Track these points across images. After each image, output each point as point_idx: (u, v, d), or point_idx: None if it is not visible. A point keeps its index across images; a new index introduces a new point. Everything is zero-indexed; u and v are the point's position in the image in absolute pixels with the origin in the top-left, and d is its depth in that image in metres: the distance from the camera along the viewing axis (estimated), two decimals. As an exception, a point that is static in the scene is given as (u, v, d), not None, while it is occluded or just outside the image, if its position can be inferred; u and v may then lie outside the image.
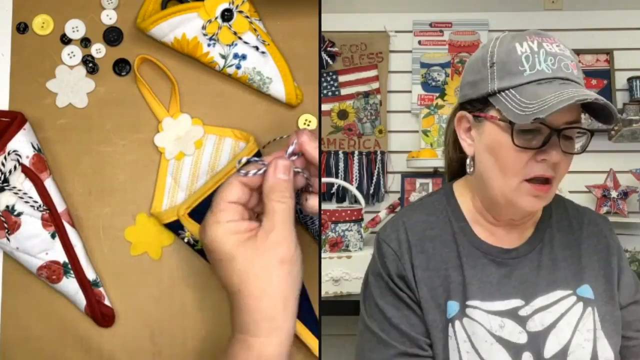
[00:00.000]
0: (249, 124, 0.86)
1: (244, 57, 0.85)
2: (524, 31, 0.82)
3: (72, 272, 0.82)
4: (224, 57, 0.84)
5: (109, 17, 0.88)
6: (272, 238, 0.68)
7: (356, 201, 1.76)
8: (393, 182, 1.94)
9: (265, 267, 0.67)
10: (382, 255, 0.86)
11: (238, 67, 0.85)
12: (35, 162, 0.81)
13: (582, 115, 0.81)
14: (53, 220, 0.81)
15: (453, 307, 0.83)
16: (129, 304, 0.85)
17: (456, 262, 0.84)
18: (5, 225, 0.79)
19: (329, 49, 1.91)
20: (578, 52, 1.79)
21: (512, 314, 0.82)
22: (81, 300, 0.83)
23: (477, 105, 0.83)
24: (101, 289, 0.84)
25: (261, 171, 0.71)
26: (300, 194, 0.75)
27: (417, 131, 1.92)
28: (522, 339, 0.81)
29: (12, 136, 0.81)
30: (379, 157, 1.93)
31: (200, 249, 0.83)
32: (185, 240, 0.83)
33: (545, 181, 0.79)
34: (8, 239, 0.80)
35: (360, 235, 1.57)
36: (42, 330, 0.84)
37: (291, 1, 0.88)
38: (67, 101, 0.86)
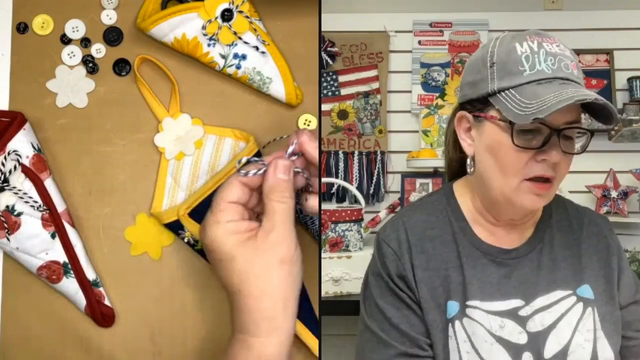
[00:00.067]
0: (249, 124, 0.86)
1: (244, 57, 0.85)
2: (524, 31, 0.82)
3: (72, 272, 0.82)
4: (224, 57, 0.84)
5: (109, 17, 0.88)
6: (272, 238, 0.68)
7: (356, 201, 1.76)
8: (393, 182, 1.94)
9: (265, 267, 0.67)
10: (382, 255, 0.86)
11: (238, 67, 0.85)
12: (35, 162, 0.81)
13: (582, 115, 0.81)
14: (53, 220, 0.81)
15: (453, 307, 0.83)
16: (129, 304, 0.85)
17: (456, 262, 0.84)
18: (5, 225, 0.79)
19: (329, 49, 1.91)
20: (578, 52, 1.79)
21: (512, 314, 0.82)
22: (81, 300, 0.83)
23: (477, 105, 0.83)
24: (101, 289, 0.84)
25: (261, 171, 0.71)
26: (300, 194, 0.75)
27: (417, 131, 1.92)
28: (522, 339, 0.81)
29: (12, 136, 0.81)
30: (379, 157, 1.93)
31: (200, 249, 0.83)
32: (185, 240, 0.83)
33: (546, 180, 0.79)
34: (8, 239, 0.80)
35: (360, 235, 1.57)
36: (42, 330, 0.84)
37: (291, 1, 0.88)
38: (67, 101, 0.86)
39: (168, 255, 0.85)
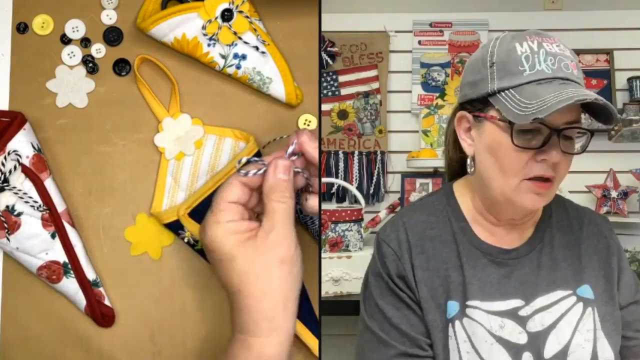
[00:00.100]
0: (249, 124, 0.86)
1: (244, 57, 0.85)
2: (524, 31, 0.82)
3: (72, 272, 0.82)
4: (224, 57, 0.84)
5: (109, 17, 0.88)
6: (272, 238, 0.68)
7: (356, 201, 1.76)
8: (393, 182, 1.94)
9: (265, 267, 0.67)
10: (382, 255, 0.86)
11: (238, 67, 0.85)
12: (35, 162, 0.81)
13: (582, 115, 0.81)
14: (53, 220, 0.81)
15: (453, 307, 0.83)
16: (129, 304, 0.85)
17: (456, 262, 0.84)
18: (5, 225, 0.79)
19: (329, 49, 1.91)
20: (578, 52, 1.79)
21: (512, 314, 0.82)
22: (81, 300, 0.83)
23: (477, 105, 0.83)
24: (101, 289, 0.84)
25: (261, 171, 0.71)
26: (300, 194, 0.75)
27: (417, 131, 1.92)
28: (522, 339, 0.81)
29: (12, 136, 0.81)
30: (379, 157, 1.93)
31: (200, 249, 0.83)
32: (185, 240, 0.83)
33: (546, 180, 0.79)
34: (8, 239, 0.80)
35: (360, 235, 1.57)
36: (42, 330, 0.84)
37: (291, 1, 0.88)
38: (67, 101, 0.86)
39: (168, 255, 0.85)
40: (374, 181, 1.92)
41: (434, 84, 1.95)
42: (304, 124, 0.87)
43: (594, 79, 1.91)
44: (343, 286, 1.50)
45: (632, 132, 1.77)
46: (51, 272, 0.82)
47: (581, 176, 1.80)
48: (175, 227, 0.83)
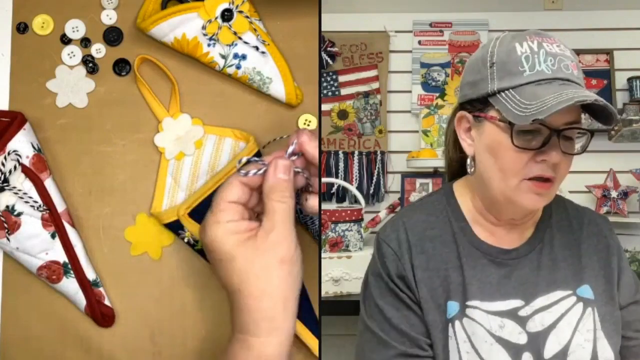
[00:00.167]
0: (249, 124, 0.86)
1: (244, 57, 0.85)
2: (524, 31, 0.81)
3: (72, 272, 0.82)
4: (224, 57, 0.84)
5: (109, 17, 0.88)
6: (272, 238, 0.68)
7: (356, 201, 1.76)
8: (393, 182, 1.94)
9: (265, 267, 0.67)
10: (382, 256, 0.86)
11: (238, 67, 0.85)
12: (35, 162, 0.81)
13: (582, 116, 0.81)
14: (53, 220, 0.81)
15: (453, 307, 0.83)
16: (129, 304, 0.85)
17: (456, 262, 0.84)
18: (5, 225, 0.79)
19: (329, 49, 1.91)
20: (578, 52, 1.79)
21: (512, 314, 0.82)
22: (81, 300, 0.83)
23: (477, 106, 0.83)
24: (101, 289, 0.84)
25: (261, 171, 0.71)
26: (300, 194, 0.75)
27: (417, 131, 1.92)
28: (522, 339, 0.81)
29: (12, 136, 0.81)
30: (379, 157, 1.93)
31: (200, 249, 0.83)
32: (185, 240, 0.83)
33: (546, 180, 0.79)
34: (8, 239, 0.80)
35: (360, 235, 1.57)
36: (42, 330, 0.84)
37: (291, 1, 0.88)
38: (67, 101, 0.86)
39: (168, 255, 0.85)
40: (374, 181, 1.92)
41: (434, 84, 1.95)
42: (304, 124, 0.87)
43: (594, 79, 1.91)
44: (343, 286, 1.50)
45: (632, 132, 1.77)
46: (51, 272, 0.82)
47: (581, 176, 1.80)
48: (175, 227, 0.83)
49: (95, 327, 0.84)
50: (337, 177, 1.91)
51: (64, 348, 0.84)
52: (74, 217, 0.84)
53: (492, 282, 0.84)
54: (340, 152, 1.93)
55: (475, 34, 1.95)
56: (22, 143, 0.81)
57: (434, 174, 1.89)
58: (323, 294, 1.35)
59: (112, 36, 0.87)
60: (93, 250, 0.85)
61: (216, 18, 0.83)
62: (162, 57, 0.86)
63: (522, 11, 1.92)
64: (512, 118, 0.76)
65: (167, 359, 0.84)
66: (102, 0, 0.87)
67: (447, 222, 0.87)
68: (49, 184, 0.82)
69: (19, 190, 0.79)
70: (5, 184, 0.79)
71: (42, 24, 0.87)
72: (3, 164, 0.79)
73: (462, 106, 0.86)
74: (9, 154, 0.79)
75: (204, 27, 0.83)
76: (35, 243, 0.81)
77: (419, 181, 1.91)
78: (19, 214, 0.80)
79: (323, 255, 1.48)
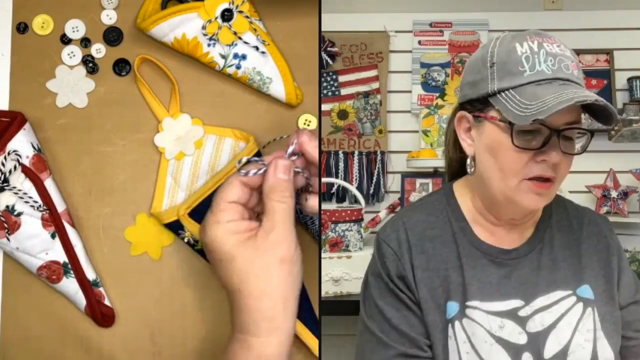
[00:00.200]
0: (249, 124, 0.86)
1: (244, 57, 0.85)
2: (524, 31, 0.81)
3: (72, 272, 0.82)
4: (224, 57, 0.84)
5: (109, 17, 0.88)
6: (272, 238, 0.68)
7: (356, 201, 1.76)
8: (393, 182, 1.94)
9: (265, 267, 0.67)
10: (382, 256, 0.86)
11: (238, 67, 0.85)
12: (35, 162, 0.81)
13: (582, 116, 0.81)
14: (53, 220, 0.81)
15: (453, 307, 0.83)
16: (129, 304, 0.85)
17: (456, 262, 0.84)
18: (5, 225, 0.79)
19: (329, 49, 1.91)
20: (578, 52, 1.78)
21: (511, 315, 0.82)
22: (81, 300, 0.83)
23: (477, 106, 0.83)
24: (101, 289, 0.84)
25: (261, 171, 0.71)
26: (300, 194, 0.75)
27: (417, 131, 1.92)
28: (522, 339, 0.81)
29: (12, 136, 0.81)
30: (379, 157, 1.93)
31: (200, 249, 0.83)
32: (185, 240, 0.83)
33: (546, 180, 0.79)
34: (8, 239, 0.80)
35: (360, 235, 1.57)
36: (42, 330, 0.84)
37: (291, 1, 0.88)
38: (67, 101, 0.86)
39: (168, 255, 0.85)
40: (374, 181, 1.92)
41: (434, 84, 1.95)
42: (304, 124, 0.87)
43: (594, 79, 1.91)
44: (343, 286, 1.50)
45: (632, 132, 1.77)
46: (51, 272, 0.82)
47: (581, 176, 1.80)
48: (175, 227, 0.83)
49: (95, 327, 0.84)
50: (337, 177, 1.91)
51: (64, 348, 0.84)
52: (74, 217, 0.84)
53: (492, 282, 0.84)
54: (340, 152, 1.93)
55: (475, 34, 1.95)
56: (22, 143, 0.81)
57: (434, 174, 1.89)
58: (323, 294, 1.35)
59: (112, 36, 0.87)
60: (93, 250, 0.85)
61: (216, 18, 0.83)
62: (162, 57, 0.86)
63: (522, 11, 1.92)
64: (512, 118, 0.76)
65: (167, 359, 0.84)
66: (102, 0, 0.87)
67: (447, 222, 0.87)
68: (49, 184, 0.82)
69: (19, 190, 0.79)
70: (5, 184, 0.79)
71: (42, 24, 0.87)
72: (3, 164, 0.79)
73: (462, 106, 0.86)
74: (9, 154, 0.79)
75: (204, 27, 0.83)
76: (35, 243, 0.81)
77: (419, 181, 1.91)
78: (19, 214, 0.80)
79: (323, 255, 1.48)
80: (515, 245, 0.86)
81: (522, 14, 1.92)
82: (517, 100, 0.77)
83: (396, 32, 1.96)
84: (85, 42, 0.87)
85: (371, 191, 1.91)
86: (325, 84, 1.94)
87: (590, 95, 0.74)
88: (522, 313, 0.83)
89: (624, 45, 1.91)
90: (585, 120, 0.81)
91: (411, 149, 1.89)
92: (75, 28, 0.87)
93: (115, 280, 0.85)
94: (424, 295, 0.83)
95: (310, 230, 0.84)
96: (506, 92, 0.78)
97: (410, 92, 1.96)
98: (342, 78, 1.95)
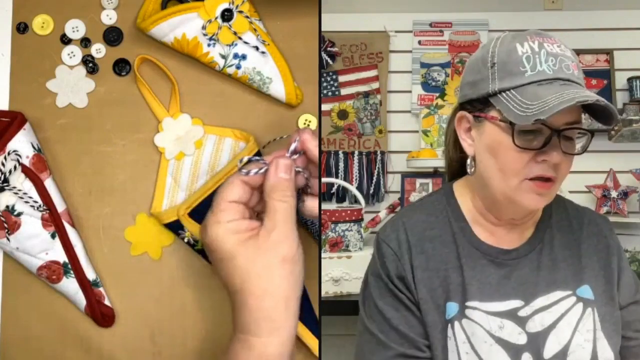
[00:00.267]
0: (249, 124, 0.86)
1: (244, 57, 0.85)
2: (524, 31, 0.81)
3: (72, 272, 0.82)
4: (224, 57, 0.84)
5: (109, 17, 0.87)
6: (273, 237, 0.68)
7: (356, 201, 1.76)
8: (393, 182, 1.94)
9: (266, 267, 0.67)
10: (381, 256, 0.86)
11: (238, 67, 0.85)
12: (35, 162, 0.81)
13: (582, 116, 0.81)
14: (53, 220, 0.81)
15: (452, 308, 0.83)
16: (129, 304, 0.85)
17: (456, 262, 0.84)
18: (5, 225, 0.79)
19: (329, 49, 1.91)
20: (578, 52, 1.78)
21: (511, 315, 0.82)
22: (81, 300, 0.83)
23: (477, 106, 0.83)
24: (101, 289, 0.84)
25: (262, 170, 0.71)
26: (299, 195, 0.75)
27: (417, 131, 1.92)
28: (522, 339, 0.81)
29: (12, 136, 0.81)
30: (379, 157, 1.93)
31: (200, 249, 0.83)
32: (185, 240, 0.83)
33: (547, 179, 0.79)
34: (8, 239, 0.80)
35: (360, 235, 1.57)
36: (42, 330, 0.84)
37: (291, 1, 0.88)
38: (67, 101, 0.86)
39: (168, 255, 0.85)
40: (374, 181, 1.92)
41: (434, 84, 1.95)
42: (304, 124, 0.87)
43: (594, 79, 1.91)
44: (343, 286, 1.50)
45: (632, 132, 1.77)
46: (51, 272, 0.82)
47: (581, 176, 1.80)
48: (175, 227, 0.83)
49: (95, 327, 0.84)
50: (337, 177, 1.91)
51: (64, 348, 0.84)
52: (74, 217, 0.84)
53: (492, 283, 0.84)
54: (340, 152, 1.93)
55: (475, 34, 1.95)
56: (22, 143, 0.81)
57: (434, 174, 1.89)
58: (323, 294, 1.35)
59: (112, 36, 0.87)
60: (93, 250, 0.85)
61: (216, 18, 0.83)
62: (162, 57, 0.86)
63: (522, 11, 1.92)
64: (513, 118, 0.76)
65: (167, 359, 0.84)
66: (102, 0, 0.87)
67: (447, 222, 0.87)
68: (49, 184, 0.82)
69: (19, 190, 0.79)
70: (5, 184, 0.79)
71: (42, 24, 0.87)
72: (3, 164, 0.79)
73: (462, 106, 0.86)
74: (9, 154, 0.79)
75: (204, 27, 0.83)
76: (35, 243, 0.81)
77: (419, 181, 1.91)
78: (19, 214, 0.80)
79: (323, 255, 1.48)
80: (515, 246, 0.86)
81: (522, 14, 1.92)
82: (518, 100, 0.77)
83: (396, 32, 1.96)
84: (85, 42, 0.87)
85: (371, 191, 1.91)
86: (325, 84, 1.94)
87: (592, 96, 0.74)
88: (522, 313, 0.83)
89: (624, 45, 1.91)
90: (585, 121, 0.81)
91: (411, 149, 1.90)
92: (75, 28, 0.87)
93: (115, 280, 0.85)
94: (424, 296, 0.83)
95: (310, 231, 0.84)
96: (507, 92, 0.78)
97: (410, 92, 1.96)
98: (342, 78, 1.95)
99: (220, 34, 0.83)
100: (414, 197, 1.86)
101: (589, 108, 0.79)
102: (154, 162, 0.86)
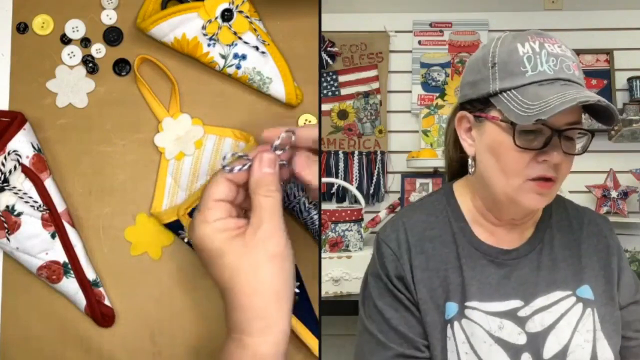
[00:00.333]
0: (249, 124, 0.86)
1: (244, 57, 0.85)
2: (525, 31, 0.81)
3: (72, 272, 0.82)
4: (224, 57, 0.84)
5: (109, 17, 0.87)
6: (260, 234, 0.67)
7: (356, 201, 1.76)
8: (393, 182, 1.94)
9: (255, 264, 0.66)
10: (381, 256, 0.86)
11: (238, 67, 0.85)
12: (35, 162, 0.81)
13: (582, 116, 0.81)
14: (53, 220, 0.81)
15: (452, 308, 0.83)
16: (129, 304, 0.85)
17: (455, 262, 0.84)
18: (5, 225, 0.79)
19: (329, 49, 1.91)
20: (578, 52, 1.77)
21: (511, 315, 0.82)
22: (81, 300, 0.83)
23: (477, 106, 0.83)
24: (101, 289, 0.84)
25: (246, 166, 0.70)
26: (285, 184, 0.74)
27: (417, 131, 1.92)
28: (521, 339, 0.81)
29: (12, 136, 0.81)
30: (379, 157, 1.93)
31: (200, 249, 0.83)
32: (185, 240, 0.83)
33: (548, 179, 0.79)
34: (8, 239, 0.80)
35: (360, 235, 1.57)
36: (42, 330, 0.84)
37: (291, 1, 0.88)
38: (67, 101, 0.86)
39: (168, 255, 0.85)
40: (374, 181, 1.92)
41: (434, 84, 1.95)
42: (304, 124, 0.87)
43: (594, 79, 1.91)
44: (343, 286, 1.50)
45: (632, 132, 1.77)
46: (51, 272, 0.82)
47: (581, 176, 1.80)
48: (175, 227, 0.83)
49: (95, 327, 0.84)
50: (337, 177, 1.91)
51: (64, 348, 0.84)
52: (74, 217, 0.84)
53: (492, 283, 0.84)
54: (340, 152, 1.93)
55: (475, 34, 1.95)
56: (22, 143, 0.81)
57: (434, 174, 1.89)
58: (323, 294, 1.35)
59: (112, 36, 0.87)
60: (93, 250, 0.85)
61: (216, 18, 0.83)
62: (162, 57, 0.86)
63: (522, 11, 1.92)
64: (514, 118, 0.76)
65: (167, 359, 0.84)
66: (102, 0, 0.87)
67: (447, 223, 0.87)
68: (49, 184, 0.82)
69: (19, 190, 0.79)
70: (5, 184, 0.79)
71: (42, 24, 0.87)
72: (3, 164, 0.79)
73: (462, 106, 0.86)
74: (9, 154, 0.79)
75: (204, 27, 0.83)
76: (35, 243, 0.81)
77: (419, 181, 1.90)
78: (19, 214, 0.80)
79: (323, 255, 1.48)
80: (515, 246, 0.86)
81: (522, 14, 1.92)
82: (519, 100, 0.77)
83: (396, 32, 1.96)
84: (85, 42, 0.87)
85: (371, 191, 1.91)
86: (325, 84, 1.94)
87: (593, 96, 0.74)
88: (522, 313, 0.83)
89: (624, 45, 1.91)
90: (585, 121, 0.81)
91: (411, 149, 1.89)
92: (75, 28, 0.87)
93: (115, 280, 0.85)
94: (423, 296, 0.83)
95: (310, 230, 0.84)
96: (508, 92, 0.78)
97: (410, 92, 1.96)
98: (342, 78, 1.95)
99: (220, 34, 0.83)
100: (414, 197, 1.86)
101: (589, 108, 0.79)
102: (154, 162, 0.86)
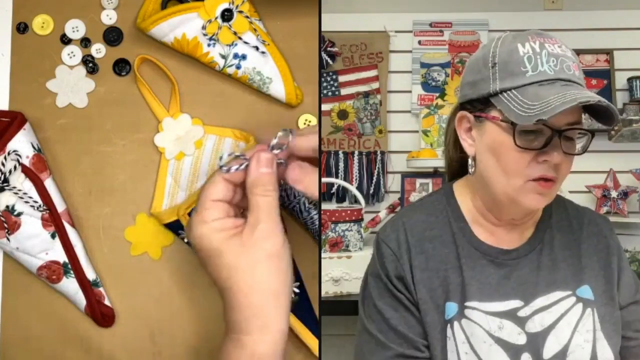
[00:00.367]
0: (249, 124, 0.86)
1: (244, 57, 0.85)
2: (525, 31, 0.81)
3: (72, 272, 0.82)
4: (224, 57, 0.84)
5: (109, 17, 0.88)
6: (257, 233, 0.67)
7: (356, 201, 1.76)
8: (393, 182, 1.94)
9: (252, 263, 0.66)
10: (381, 256, 0.86)
11: (238, 67, 0.85)
12: (35, 162, 0.81)
13: (582, 116, 0.81)
14: (53, 220, 0.81)
15: (452, 308, 0.83)
16: (129, 304, 0.85)
17: (455, 263, 0.84)
18: (5, 225, 0.79)
19: (329, 49, 1.91)
20: (578, 52, 1.77)
21: (511, 315, 0.82)
22: (81, 300, 0.83)
23: (477, 106, 0.83)
24: (101, 289, 0.84)
25: (243, 166, 0.70)
26: (283, 185, 0.74)
27: (417, 131, 1.92)
28: (521, 340, 0.81)
29: (12, 136, 0.81)
30: (379, 157, 1.93)
31: (200, 249, 0.83)
32: (185, 240, 0.83)
33: (549, 179, 0.79)
34: (8, 239, 0.80)
35: (360, 235, 1.57)
36: (42, 330, 0.84)
37: (291, 1, 0.88)
38: (67, 101, 0.86)
39: (168, 255, 0.85)
40: (374, 181, 1.91)
41: (434, 84, 1.95)
42: (304, 124, 0.87)
43: (594, 79, 1.91)
44: (343, 286, 1.50)
45: (632, 132, 1.77)
46: (51, 272, 0.82)
47: (581, 176, 1.80)
48: (175, 227, 0.83)
49: (95, 327, 0.84)
50: (337, 177, 1.91)
51: (64, 348, 0.84)
52: (74, 217, 0.84)
53: (492, 283, 0.84)
54: (340, 152, 1.93)
55: (475, 34, 1.95)
56: (22, 143, 0.81)
57: (434, 174, 1.89)
58: (323, 294, 1.35)
59: (112, 36, 0.87)
60: (93, 250, 0.85)
61: (216, 18, 0.83)
62: (162, 57, 0.86)
63: (522, 11, 1.92)
64: (515, 118, 0.76)
65: (167, 359, 0.84)
66: (102, 0, 0.87)
67: (446, 223, 0.87)
68: (49, 184, 0.82)
69: (19, 190, 0.79)
70: (5, 184, 0.79)
71: (42, 24, 0.87)
72: (3, 164, 0.79)
73: (462, 106, 0.86)
74: (9, 154, 0.79)
75: (204, 27, 0.83)
76: (35, 243, 0.81)
77: (419, 181, 1.90)
78: (19, 214, 0.80)
79: (323, 255, 1.48)
80: (515, 246, 0.86)
81: (522, 14, 1.92)
82: (520, 100, 0.76)
83: (396, 32, 1.96)
84: (85, 42, 0.87)
85: (371, 191, 1.91)
86: (325, 84, 1.94)
87: (593, 96, 0.74)
88: (522, 313, 0.83)
89: (624, 45, 1.91)
90: (585, 121, 0.82)
91: (411, 149, 1.89)
92: (75, 28, 0.87)
93: (115, 280, 0.85)
94: (423, 296, 0.83)
95: (310, 230, 0.84)
96: (508, 92, 0.78)
97: (410, 92, 1.96)
98: (342, 78, 1.95)
99: (220, 34, 0.83)
100: (414, 197, 1.86)
101: (589, 108, 0.79)
102: (154, 162, 0.86)
